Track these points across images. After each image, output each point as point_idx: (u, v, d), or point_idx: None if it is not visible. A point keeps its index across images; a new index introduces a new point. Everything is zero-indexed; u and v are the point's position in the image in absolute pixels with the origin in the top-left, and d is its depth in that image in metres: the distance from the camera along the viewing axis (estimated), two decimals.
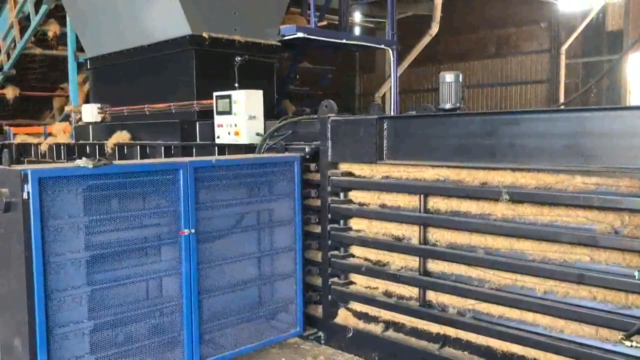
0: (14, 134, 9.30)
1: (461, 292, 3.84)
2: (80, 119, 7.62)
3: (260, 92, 5.45)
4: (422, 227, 4.02)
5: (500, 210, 3.63)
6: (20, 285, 3.29)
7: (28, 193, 3.22)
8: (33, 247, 3.25)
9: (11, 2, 9.57)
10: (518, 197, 3.50)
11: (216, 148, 5.68)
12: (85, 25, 7.69)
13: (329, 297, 4.62)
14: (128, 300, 3.71)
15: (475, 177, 3.74)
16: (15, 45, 9.80)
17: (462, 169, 3.81)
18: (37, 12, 9.06)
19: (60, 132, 8.04)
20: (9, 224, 3.39)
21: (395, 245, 4.19)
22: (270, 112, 6.14)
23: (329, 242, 4.59)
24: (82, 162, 3.49)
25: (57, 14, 8.99)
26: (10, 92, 10.35)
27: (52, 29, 9.32)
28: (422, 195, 4.00)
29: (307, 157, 4.74)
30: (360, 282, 4.52)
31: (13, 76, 10.33)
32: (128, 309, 3.70)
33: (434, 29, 12.20)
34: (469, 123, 3.83)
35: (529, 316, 3.55)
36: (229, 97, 5.41)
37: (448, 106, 4.48)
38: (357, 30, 13.54)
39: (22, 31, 9.52)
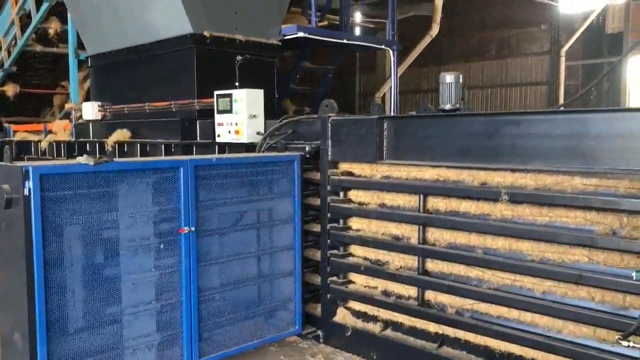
0: (14, 131, 9.30)
1: (460, 292, 3.86)
2: (80, 117, 7.63)
3: (261, 91, 5.45)
4: (421, 226, 4.03)
5: (500, 210, 3.64)
6: (22, 280, 3.30)
7: (29, 189, 3.24)
8: (34, 242, 3.26)
9: None
10: (517, 197, 3.51)
11: (217, 147, 5.69)
12: (87, 22, 7.69)
13: (328, 296, 4.64)
14: (125, 299, 3.71)
15: (475, 177, 3.75)
16: (16, 43, 9.80)
17: (462, 170, 3.82)
18: (38, 9, 9.07)
19: (61, 130, 8.03)
20: (10, 220, 3.40)
21: (395, 245, 4.20)
22: (271, 111, 6.14)
23: (329, 241, 4.60)
24: (83, 159, 3.51)
25: (58, 11, 8.99)
26: (11, 89, 10.35)
27: (53, 27, 9.32)
28: (421, 195, 4.01)
29: (308, 156, 4.75)
30: (359, 281, 4.53)
31: (14, 73, 10.34)
32: (125, 308, 3.70)
33: (434, 30, 12.21)
34: (469, 124, 3.84)
35: (528, 316, 3.56)
36: (229, 95, 5.42)
37: (448, 107, 4.49)
38: (357, 31, 13.55)
39: (23, 28, 9.53)
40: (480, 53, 18.67)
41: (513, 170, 3.56)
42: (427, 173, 4.01)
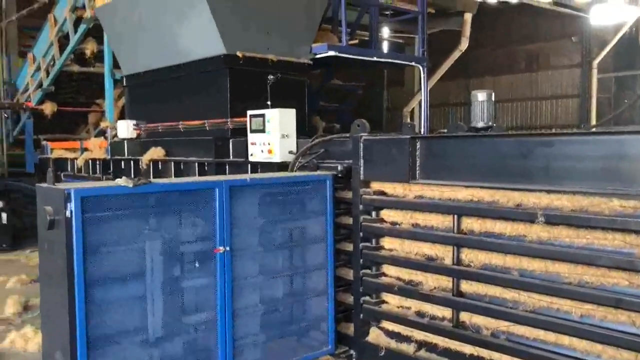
0: (51, 149, 9.56)
1: (495, 314, 3.82)
2: (116, 135, 7.81)
3: (293, 111, 5.51)
4: (455, 247, 4.01)
5: (535, 232, 3.60)
6: (63, 299, 3.39)
7: (71, 211, 3.33)
8: (74, 262, 3.35)
9: (51, 21, 9.89)
10: (553, 219, 3.47)
11: (249, 165, 5.76)
12: (122, 43, 7.90)
13: (361, 315, 4.63)
14: (162, 317, 3.77)
15: (510, 198, 3.72)
16: (54, 63, 10.10)
17: (496, 190, 3.79)
18: (76, 31, 9.34)
19: (96, 148, 8.23)
20: (52, 241, 3.51)
21: (428, 265, 4.18)
22: (301, 128, 6.21)
23: (361, 260, 4.61)
24: (122, 181, 3.60)
25: (95, 33, 9.24)
26: (49, 108, 10.65)
27: (90, 47, 9.59)
28: (455, 216, 4.00)
29: (339, 175, 4.78)
30: (393, 302, 4.51)
31: (51, 92, 10.65)
32: (162, 327, 3.76)
33: (464, 44, 12.19)
34: (502, 144, 3.82)
35: (565, 340, 3.50)
36: (262, 116, 5.49)
37: (480, 125, 4.48)
38: (385, 46, 13.58)
39: (61, 49, 9.82)
40: (509, 66, 18.52)
41: (548, 192, 3.53)
42: (461, 193, 4.00)
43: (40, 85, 10.54)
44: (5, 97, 11.52)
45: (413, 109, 13.66)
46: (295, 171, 5.07)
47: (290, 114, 5.47)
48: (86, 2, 8.84)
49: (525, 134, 3.82)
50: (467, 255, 3.98)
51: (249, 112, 5.66)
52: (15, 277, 7.68)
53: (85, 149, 8.60)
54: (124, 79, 8.10)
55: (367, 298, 4.61)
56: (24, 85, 11.28)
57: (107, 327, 3.49)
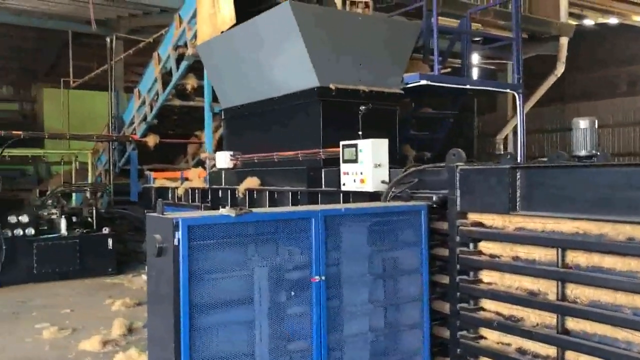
0: (154, 178, 10.15)
1: (605, 355, 3.58)
2: (214, 165, 8.17)
3: (386, 141, 5.53)
4: (560, 282, 3.83)
5: None
6: (169, 323, 3.56)
7: (178, 239, 3.51)
8: (181, 288, 3.51)
9: (155, 59, 10.60)
10: None
11: (341, 195, 5.82)
12: (221, 78, 8.31)
13: (458, 350, 4.49)
14: (262, 344, 3.85)
15: (620, 231, 3.51)
16: (157, 98, 10.79)
17: (605, 223, 3.60)
18: (178, 67, 9.95)
19: (196, 177, 8.65)
20: (160, 267, 3.70)
21: (530, 301, 4.01)
22: (392, 157, 6.20)
23: (458, 294, 4.49)
24: (225, 210, 3.76)
25: (196, 68, 9.80)
26: (152, 140, 11.37)
27: (191, 83, 10.18)
28: (559, 249, 3.82)
29: (434, 205, 4.72)
30: (491, 337, 4.35)
31: (154, 125, 11.35)
32: (268, 354, 3.84)
33: (560, 69, 11.79)
34: (610, 174, 3.63)
35: None
36: (355, 146, 5.56)
37: (583, 153, 4.28)
38: (475, 72, 13.37)
39: (164, 85, 10.48)
40: (609, 90, 17.61)
41: None
42: (565, 225, 3.82)
43: (144, 118, 11.29)
44: (113, 130, 12.42)
45: (506, 135, 13.28)
46: (389, 201, 5.07)
47: (382, 144, 5.50)
48: (188, 40, 9.42)
49: (635, 164, 3.61)
50: (573, 290, 3.78)
51: (342, 143, 5.75)
52: (120, 300, 8.15)
53: (186, 179, 9.05)
54: (222, 112, 8.49)
55: (465, 333, 4.47)
56: (130, 119, 12.12)
57: (212, 352, 3.61)
